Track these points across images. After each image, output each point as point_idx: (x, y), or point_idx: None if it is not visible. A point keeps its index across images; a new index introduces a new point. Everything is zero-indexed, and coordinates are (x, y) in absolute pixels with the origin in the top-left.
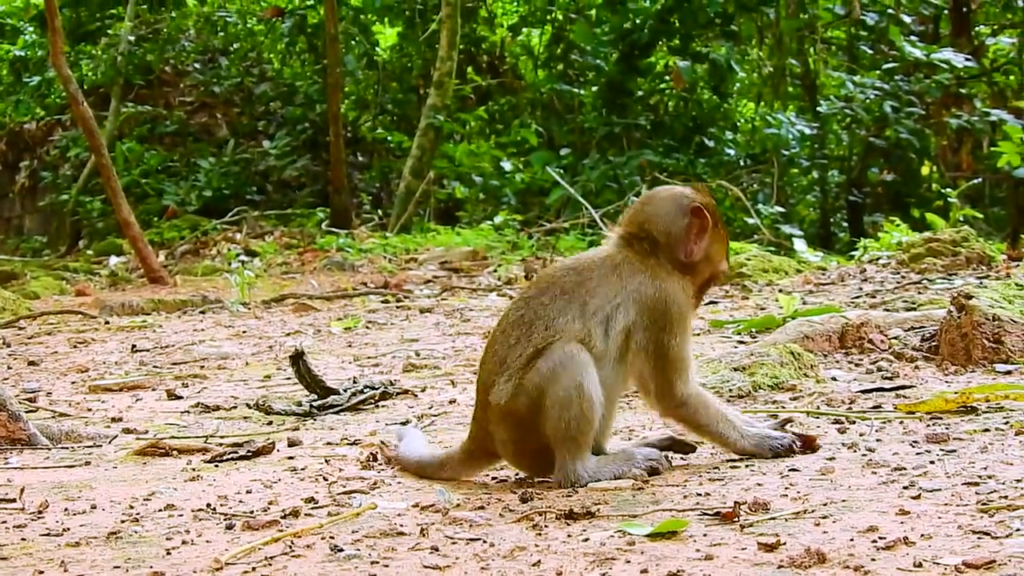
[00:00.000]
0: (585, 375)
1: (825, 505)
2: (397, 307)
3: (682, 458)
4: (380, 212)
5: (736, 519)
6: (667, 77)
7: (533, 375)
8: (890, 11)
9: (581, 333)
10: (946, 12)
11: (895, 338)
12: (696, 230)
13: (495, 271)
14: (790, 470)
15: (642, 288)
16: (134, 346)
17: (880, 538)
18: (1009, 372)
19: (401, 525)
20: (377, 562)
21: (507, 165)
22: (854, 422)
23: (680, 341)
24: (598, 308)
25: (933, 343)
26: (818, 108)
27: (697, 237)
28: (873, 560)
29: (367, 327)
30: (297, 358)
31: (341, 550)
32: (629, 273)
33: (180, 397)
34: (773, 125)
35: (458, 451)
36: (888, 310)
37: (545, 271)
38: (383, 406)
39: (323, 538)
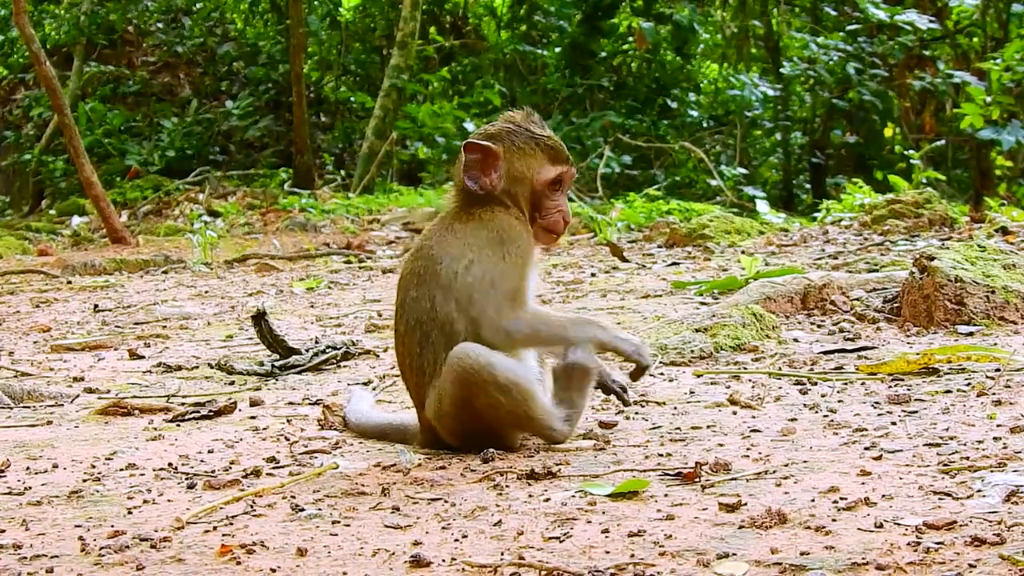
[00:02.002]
0: (495, 369)
1: (786, 466)
2: (359, 267)
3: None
4: (343, 173)
5: (697, 479)
6: (630, 38)
7: (454, 388)
8: None
9: (465, 320)
10: None
11: (857, 299)
12: (476, 164)
13: None
14: (752, 431)
15: (476, 233)
16: (96, 306)
17: (841, 499)
18: (971, 334)
19: (362, 485)
20: (338, 521)
21: (470, 126)
22: (816, 383)
23: (510, 268)
24: (461, 282)
25: (895, 305)
26: (781, 70)
27: (484, 168)
28: (834, 520)
29: (329, 287)
30: (259, 318)
31: (302, 509)
32: (462, 229)
33: (142, 357)
34: (736, 87)
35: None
36: (850, 271)
37: (405, 260)
38: (345, 366)
39: (284, 497)
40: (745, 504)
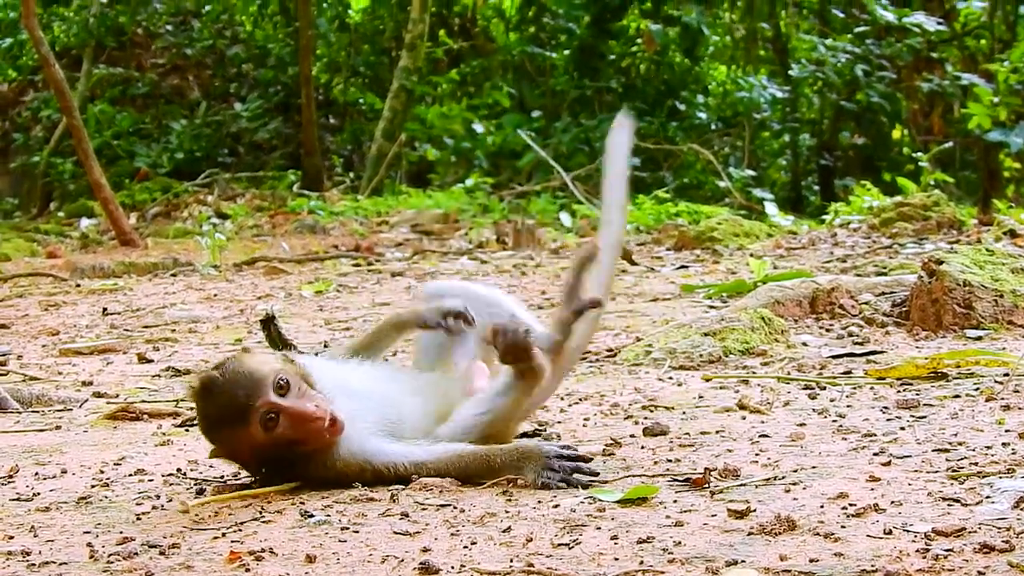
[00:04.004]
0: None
1: (795, 471)
2: (368, 270)
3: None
4: (351, 175)
5: (706, 485)
6: (639, 40)
7: None
8: None
9: None
10: None
11: (866, 303)
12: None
13: (466, 234)
14: (760, 436)
15: None
16: (105, 309)
17: (850, 505)
18: (979, 338)
19: (371, 491)
20: (347, 528)
21: (479, 128)
22: (824, 388)
23: None
24: None
25: (904, 308)
26: (789, 72)
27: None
28: (843, 527)
29: (338, 290)
30: (268, 321)
31: (311, 516)
32: None
33: (151, 361)
34: (744, 88)
35: None
36: (859, 275)
37: None
38: None
39: (293, 504)
40: (754, 510)
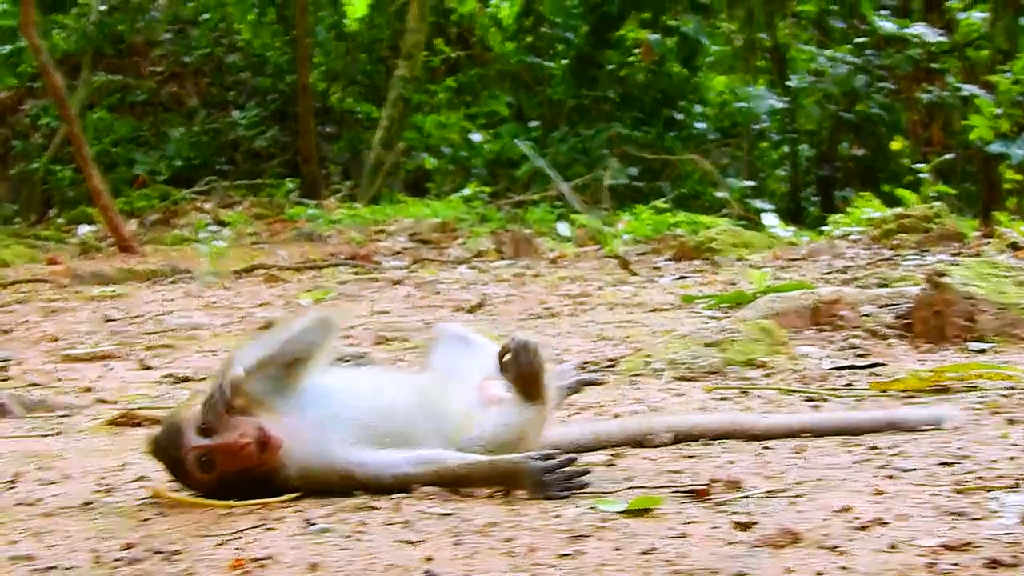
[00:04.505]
0: None
1: (799, 484)
2: (367, 279)
3: None
4: (349, 183)
5: (710, 497)
6: (637, 50)
7: None
8: None
9: None
10: None
11: (867, 315)
12: None
13: (465, 243)
14: (763, 448)
15: None
16: (105, 316)
17: (855, 518)
18: (983, 351)
19: (373, 499)
20: (349, 536)
21: (476, 137)
22: (827, 400)
23: None
24: None
25: (906, 321)
26: (788, 82)
27: None
28: (849, 540)
29: (337, 299)
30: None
31: (314, 524)
32: None
33: (151, 367)
34: (743, 99)
35: None
36: (860, 287)
37: None
38: None
39: (296, 511)
40: (758, 522)
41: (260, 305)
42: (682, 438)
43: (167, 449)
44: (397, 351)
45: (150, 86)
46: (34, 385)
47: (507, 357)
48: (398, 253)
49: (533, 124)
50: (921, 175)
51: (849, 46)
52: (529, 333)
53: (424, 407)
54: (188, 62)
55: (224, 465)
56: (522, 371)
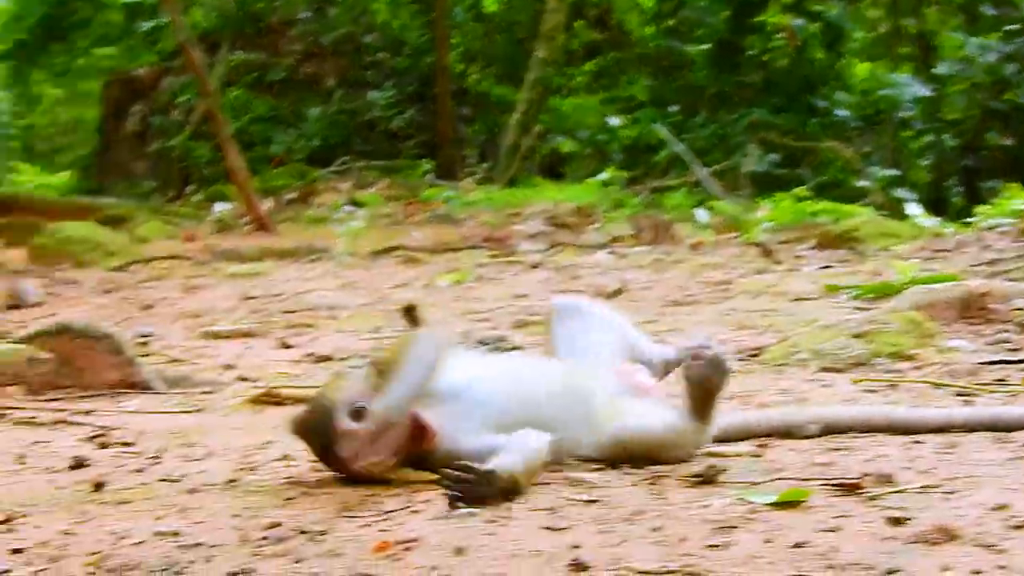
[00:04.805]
0: None
1: (952, 480)
2: (504, 262)
3: None
4: (485, 165)
5: (861, 491)
6: (779, 35)
7: None
8: None
9: None
10: None
11: (1019, 309)
12: None
13: (601, 227)
14: (914, 442)
15: None
16: (244, 293)
17: (1012, 516)
18: None
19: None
20: (494, 521)
21: (614, 121)
22: (978, 395)
23: None
24: None
25: None
26: (934, 70)
27: None
28: (1006, 539)
29: (475, 281)
30: (410, 310)
31: (458, 507)
32: None
33: (291, 346)
34: (887, 86)
35: None
36: (1011, 280)
37: None
38: None
39: (440, 494)
40: (912, 518)
41: (397, 286)
42: (832, 429)
43: (316, 431)
44: (537, 335)
45: (288, 65)
46: (176, 361)
47: (696, 364)
48: (534, 236)
49: (672, 109)
50: None
51: (999, 33)
52: (723, 348)
53: (567, 394)
54: (326, 42)
55: (377, 453)
56: (705, 386)
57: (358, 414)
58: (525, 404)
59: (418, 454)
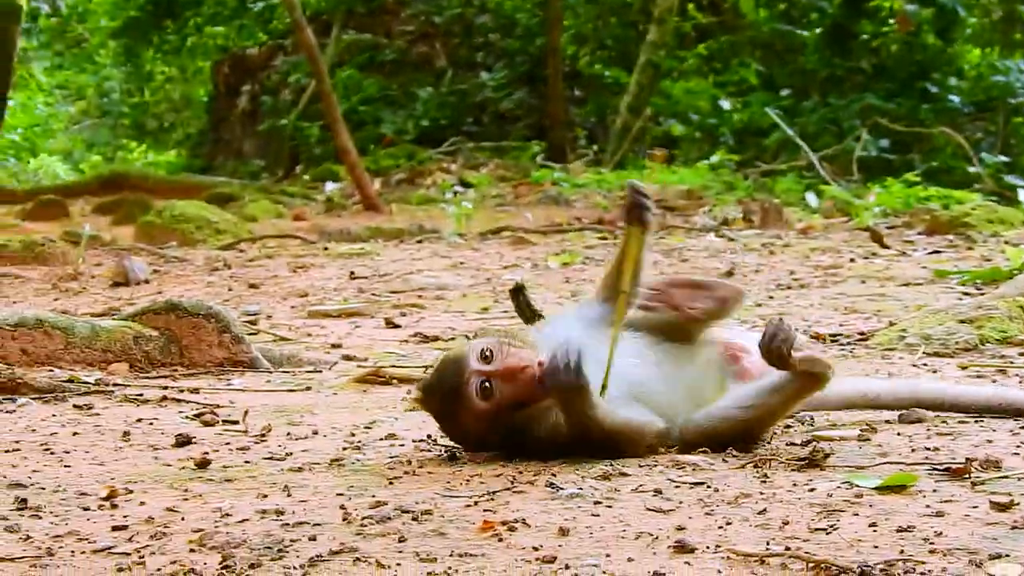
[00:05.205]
0: None
1: None
2: (614, 244)
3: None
4: (595, 147)
5: (967, 476)
6: (892, 20)
7: None
8: None
9: None
10: None
11: None
12: None
13: (710, 211)
14: (1022, 428)
15: None
16: (352, 273)
17: None
18: None
19: (624, 466)
20: (600, 503)
21: (725, 104)
22: None
23: None
24: None
25: None
26: None
27: None
28: None
29: (584, 263)
30: (517, 291)
31: (562, 488)
32: None
33: (398, 326)
34: (1000, 72)
35: None
36: None
37: None
38: None
39: (544, 476)
40: (1018, 504)
41: (506, 267)
42: (946, 407)
43: (444, 381)
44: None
45: (399, 46)
46: (283, 340)
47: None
48: None
49: (784, 93)
50: None
51: None
52: (788, 320)
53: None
54: (438, 22)
55: (504, 392)
56: (770, 356)
57: (487, 358)
58: (644, 384)
59: (539, 404)
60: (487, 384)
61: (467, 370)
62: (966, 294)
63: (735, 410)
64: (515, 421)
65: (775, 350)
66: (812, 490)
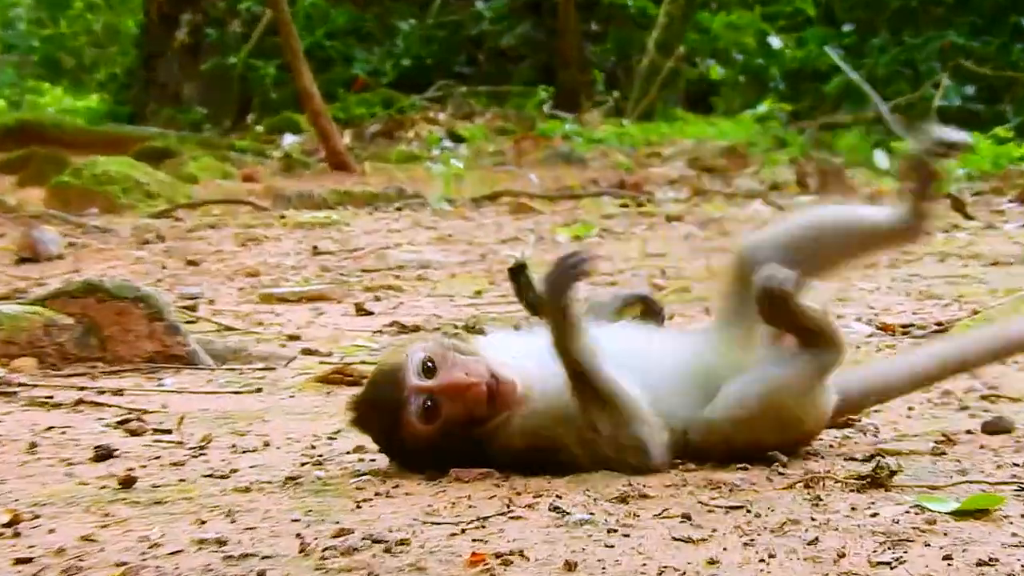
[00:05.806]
0: None
1: None
2: (637, 212)
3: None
4: (616, 94)
5: None
6: None
7: None
8: None
9: None
10: None
11: None
12: None
13: (757, 172)
14: None
15: None
16: (315, 247)
17: None
18: None
19: (644, 485)
20: (615, 530)
21: (775, 41)
22: None
23: None
24: None
25: None
26: None
27: None
28: None
29: (601, 235)
30: (517, 271)
31: (569, 513)
32: None
33: (371, 313)
34: None
35: None
36: None
37: None
38: None
39: (548, 497)
40: None
41: (504, 240)
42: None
43: (379, 399)
44: (674, 304)
45: None
46: (229, 329)
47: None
48: (674, 182)
49: (847, 28)
50: None
51: None
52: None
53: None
54: None
55: (451, 411)
56: (770, 309)
57: (430, 371)
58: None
59: (491, 424)
60: (429, 403)
61: (406, 386)
62: None
63: (740, 389)
64: (471, 440)
65: (776, 293)
66: (874, 515)
